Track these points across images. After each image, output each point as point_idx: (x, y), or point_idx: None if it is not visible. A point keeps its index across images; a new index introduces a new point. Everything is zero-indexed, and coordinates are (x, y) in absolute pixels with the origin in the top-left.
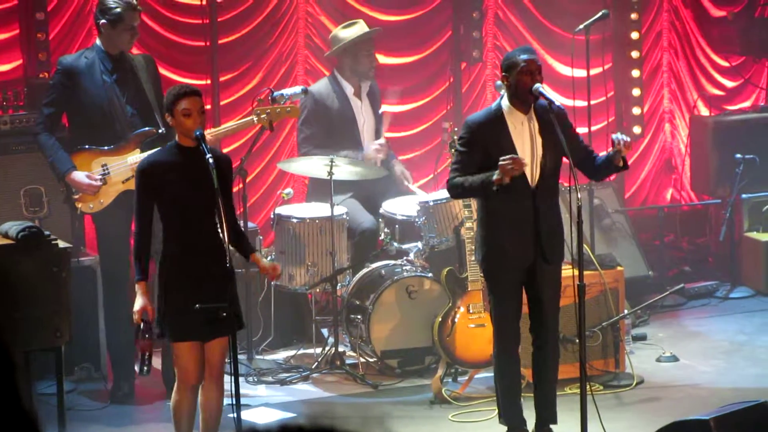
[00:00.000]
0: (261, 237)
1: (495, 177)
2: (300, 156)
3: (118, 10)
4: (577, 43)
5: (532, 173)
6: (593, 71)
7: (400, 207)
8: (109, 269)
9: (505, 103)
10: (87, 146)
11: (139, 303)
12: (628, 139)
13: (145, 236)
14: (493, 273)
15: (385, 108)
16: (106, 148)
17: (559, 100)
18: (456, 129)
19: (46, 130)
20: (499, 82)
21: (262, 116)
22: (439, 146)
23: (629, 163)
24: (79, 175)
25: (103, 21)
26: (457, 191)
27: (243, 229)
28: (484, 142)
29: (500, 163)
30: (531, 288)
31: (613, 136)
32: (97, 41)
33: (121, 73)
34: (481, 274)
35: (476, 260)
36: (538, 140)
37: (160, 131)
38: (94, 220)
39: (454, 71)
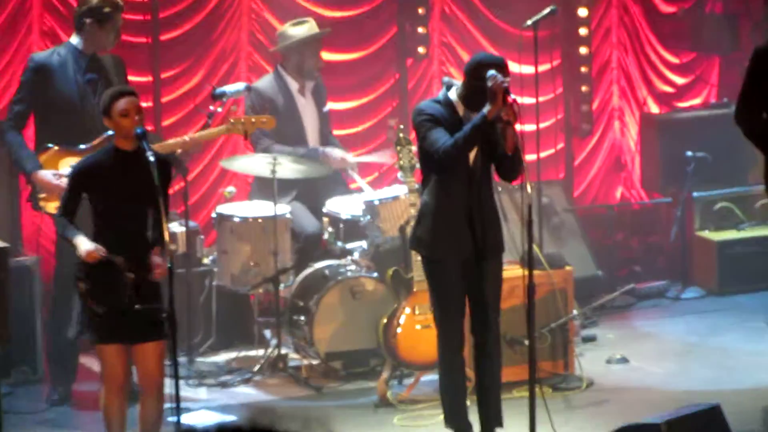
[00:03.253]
0: (202, 236)
1: (487, 109)
2: (258, 152)
3: (108, 9)
4: (525, 40)
5: (475, 153)
6: (541, 68)
7: (345, 206)
8: (65, 270)
9: (453, 96)
10: (55, 145)
11: (88, 245)
12: (504, 80)
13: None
14: (433, 264)
15: (331, 106)
16: (75, 147)
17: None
18: (402, 126)
19: (14, 127)
20: (446, 78)
21: (237, 126)
22: (385, 144)
23: (580, 158)
24: (47, 175)
25: (89, 20)
26: (456, 147)
27: (183, 227)
28: (441, 119)
29: (490, 77)
30: (470, 284)
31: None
32: (73, 39)
33: (94, 72)
34: (419, 258)
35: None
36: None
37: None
38: None
39: (400, 68)
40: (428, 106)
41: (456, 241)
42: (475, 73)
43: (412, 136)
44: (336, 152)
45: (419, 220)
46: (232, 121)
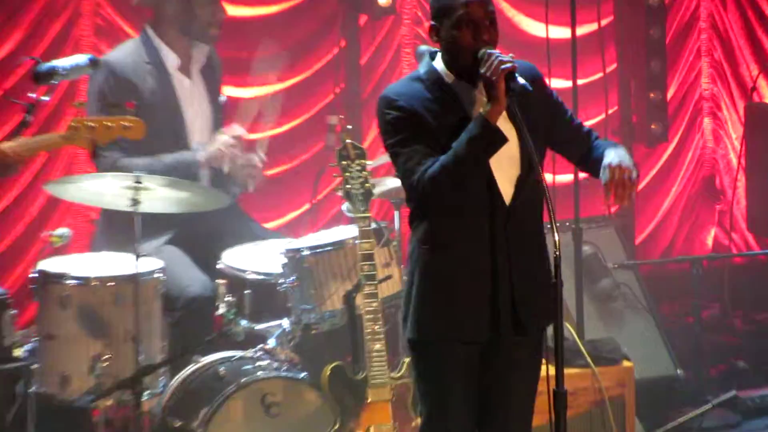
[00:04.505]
0: (14, 311)
1: (487, 108)
2: (100, 171)
3: None
4: None
5: (502, 185)
6: (582, 29)
7: (253, 258)
8: None
9: (440, 67)
10: None
11: None
12: (633, 172)
13: None
14: (431, 355)
15: (232, 93)
16: None
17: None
18: (349, 127)
19: None
20: (422, 47)
21: (81, 133)
22: (322, 156)
23: (637, 190)
24: None
25: None
26: (441, 179)
27: None
28: (427, 122)
29: (482, 56)
30: (487, 380)
31: (608, 161)
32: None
33: None
34: (407, 359)
35: (404, 333)
36: (508, 129)
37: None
38: None
39: (347, 31)
40: (401, 91)
41: (467, 317)
42: (436, 19)
43: (368, 142)
44: (222, 138)
45: (407, 291)
46: (73, 124)
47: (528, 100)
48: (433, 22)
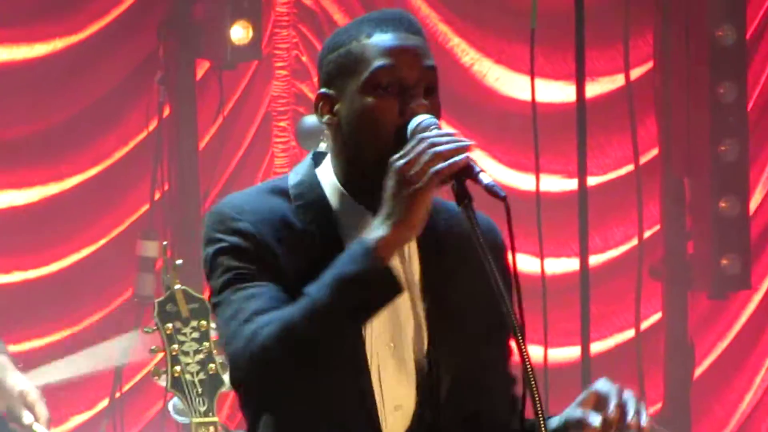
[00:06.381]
0: None
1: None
2: None
3: None
4: None
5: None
6: (598, 87)
7: None
8: None
9: (326, 177)
10: None
11: None
12: (642, 413)
13: None
14: None
15: None
16: None
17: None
18: (179, 262)
19: None
20: (309, 121)
21: None
22: (125, 316)
23: None
24: None
25: None
26: (284, 341)
27: None
28: (279, 263)
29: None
30: None
31: (589, 391)
32: None
33: None
34: None
35: None
36: (418, 299)
37: None
38: None
39: (173, 89)
40: (247, 206)
41: None
42: (345, 74)
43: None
44: None
45: None
46: None
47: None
48: (323, 90)
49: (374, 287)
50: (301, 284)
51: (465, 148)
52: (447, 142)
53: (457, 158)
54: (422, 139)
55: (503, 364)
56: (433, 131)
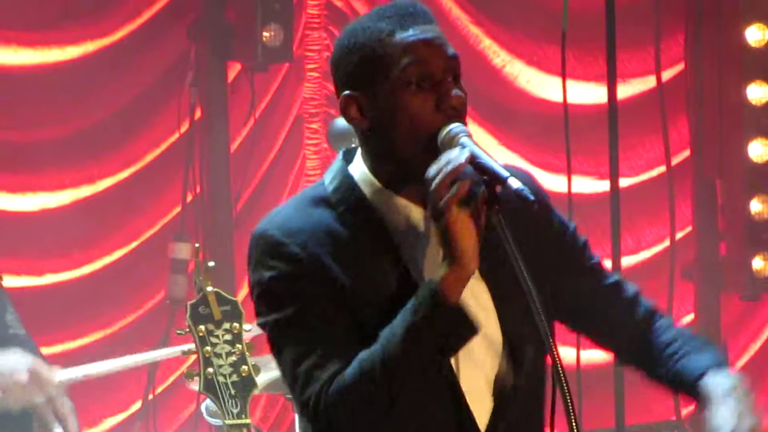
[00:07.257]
0: None
1: (443, 271)
2: None
3: None
4: None
5: (476, 402)
6: (629, 88)
7: None
8: None
9: (361, 176)
10: None
11: None
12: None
13: None
14: None
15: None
16: None
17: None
18: (211, 264)
19: None
20: (340, 123)
21: None
22: (158, 316)
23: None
24: None
25: None
26: (362, 396)
27: None
28: (339, 283)
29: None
30: None
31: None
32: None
33: None
34: None
35: None
36: (480, 292)
37: None
38: None
39: (204, 92)
40: (294, 225)
41: None
42: (376, 72)
43: (246, 290)
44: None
45: None
46: None
47: (521, 231)
48: (347, 92)
49: (447, 331)
50: (359, 287)
51: (493, 165)
52: (443, 171)
53: (456, 186)
54: (439, 170)
55: (595, 279)
56: (461, 139)
